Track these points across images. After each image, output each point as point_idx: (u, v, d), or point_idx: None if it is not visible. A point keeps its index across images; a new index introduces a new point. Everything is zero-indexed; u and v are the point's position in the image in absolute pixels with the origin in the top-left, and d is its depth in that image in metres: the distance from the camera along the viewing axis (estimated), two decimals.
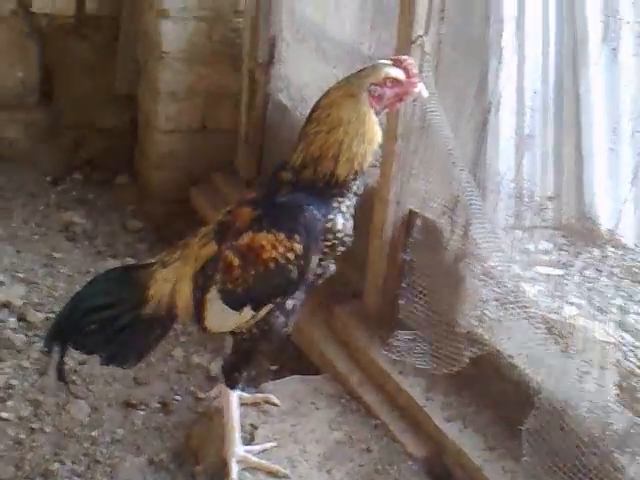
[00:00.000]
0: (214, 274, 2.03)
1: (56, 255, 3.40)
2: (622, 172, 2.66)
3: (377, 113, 1.96)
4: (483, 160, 2.71)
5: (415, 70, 1.97)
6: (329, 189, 1.95)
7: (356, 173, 1.95)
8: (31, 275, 3.23)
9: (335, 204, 1.97)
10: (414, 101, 2.42)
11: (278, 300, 2.03)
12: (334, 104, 1.93)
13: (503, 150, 2.86)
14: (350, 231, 2.03)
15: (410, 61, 1.97)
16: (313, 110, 1.97)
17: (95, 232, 3.64)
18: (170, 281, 2.11)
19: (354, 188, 1.98)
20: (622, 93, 2.77)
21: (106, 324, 2.13)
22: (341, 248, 2.03)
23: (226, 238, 2.02)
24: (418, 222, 2.50)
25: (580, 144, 2.91)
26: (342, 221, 1.98)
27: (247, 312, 2.03)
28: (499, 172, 2.55)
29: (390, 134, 2.47)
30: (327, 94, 1.96)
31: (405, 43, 2.38)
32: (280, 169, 2.02)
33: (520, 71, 2.92)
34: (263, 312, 2.03)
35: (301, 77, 3.38)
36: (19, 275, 3.21)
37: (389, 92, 1.94)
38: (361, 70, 1.97)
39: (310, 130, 1.95)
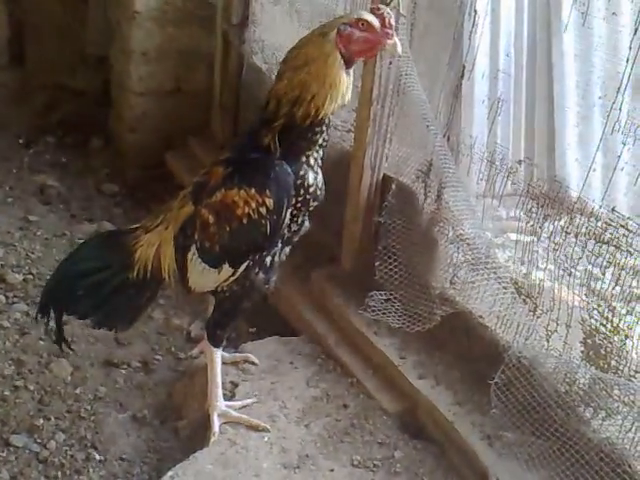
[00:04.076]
0: (193, 234, 2.07)
1: (31, 218, 3.39)
2: (592, 138, 2.72)
3: (345, 58, 1.87)
4: (457, 124, 2.75)
5: (392, 21, 1.89)
6: (291, 134, 1.92)
7: (317, 119, 1.90)
8: (7, 237, 3.22)
9: (303, 158, 1.97)
10: (390, 63, 2.45)
11: (255, 256, 2.06)
12: (305, 42, 1.90)
13: (476, 114, 2.91)
14: (321, 184, 2.04)
15: (388, 11, 1.89)
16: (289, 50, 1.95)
17: (70, 196, 3.62)
18: (154, 245, 2.14)
19: (319, 140, 1.96)
20: (593, 57, 2.82)
21: (95, 289, 2.17)
22: (314, 203, 2.05)
23: (201, 197, 2.05)
24: (393, 186, 2.54)
25: (552, 109, 2.97)
26: (312, 175, 2.00)
27: (226, 270, 2.07)
28: (472, 136, 2.60)
29: (365, 97, 2.49)
30: (305, 35, 1.94)
31: (380, 4, 2.38)
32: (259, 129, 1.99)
33: (494, 36, 2.96)
34: (241, 269, 2.07)
35: (276, 39, 3.35)
36: None
37: (358, 34, 1.86)
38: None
39: (280, 70, 1.93)
